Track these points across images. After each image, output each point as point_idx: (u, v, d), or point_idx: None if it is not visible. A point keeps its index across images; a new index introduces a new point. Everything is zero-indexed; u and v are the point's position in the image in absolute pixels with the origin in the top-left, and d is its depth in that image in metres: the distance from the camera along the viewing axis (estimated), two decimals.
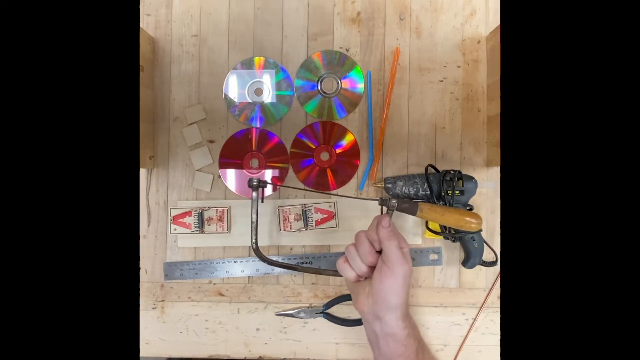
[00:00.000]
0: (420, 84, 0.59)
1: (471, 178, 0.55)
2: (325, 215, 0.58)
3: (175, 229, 0.58)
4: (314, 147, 0.59)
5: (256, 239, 0.52)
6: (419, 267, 0.58)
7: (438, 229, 0.55)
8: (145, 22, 0.59)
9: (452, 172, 0.54)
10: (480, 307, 0.58)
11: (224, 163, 0.59)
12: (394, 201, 0.48)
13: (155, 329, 0.59)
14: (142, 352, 0.58)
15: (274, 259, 0.58)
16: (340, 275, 0.49)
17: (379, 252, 0.47)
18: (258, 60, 0.59)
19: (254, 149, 0.59)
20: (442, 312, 0.58)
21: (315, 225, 0.58)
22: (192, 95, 0.59)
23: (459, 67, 0.59)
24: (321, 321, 0.58)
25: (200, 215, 0.58)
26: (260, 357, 0.59)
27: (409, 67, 0.59)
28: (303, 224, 0.57)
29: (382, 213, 0.49)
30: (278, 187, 0.58)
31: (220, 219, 0.58)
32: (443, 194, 0.53)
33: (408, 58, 0.59)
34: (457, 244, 0.57)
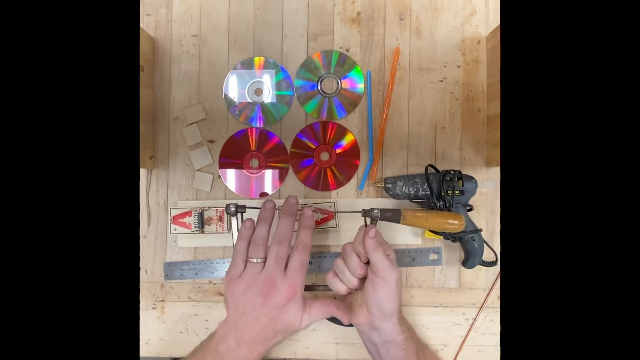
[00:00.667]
0: (420, 84, 0.59)
1: (471, 178, 0.54)
2: (325, 215, 0.58)
3: (175, 229, 0.58)
4: (314, 147, 0.59)
5: None
6: (419, 267, 0.58)
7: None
8: (145, 22, 0.59)
9: (452, 172, 0.54)
10: (480, 307, 0.58)
11: (224, 163, 0.59)
12: (376, 211, 0.47)
13: (155, 329, 0.59)
14: (142, 352, 0.58)
15: None
16: (331, 290, 0.49)
17: (367, 263, 0.47)
18: (258, 60, 0.59)
19: (254, 149, 0.59)
20: (442, 312, 0.58)
21: (316, 225, 0.58)
22: (192, 95, 0.59)
23: (459, 67, 0.59)
24: (321, 321, 0.58)
25: (200, 215, 0.58)
26: None
27: (409, 67, 0.59)
28: None
29: (365, 224, 0.48)
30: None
31: (220, 219, 0.58)
32: (443, 194, 0.53)
33: (408, 58, 0.59)
34: (457, 244, 0.57)
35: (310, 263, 0.58)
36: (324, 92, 0.59)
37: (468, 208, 0.55)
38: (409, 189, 0.54)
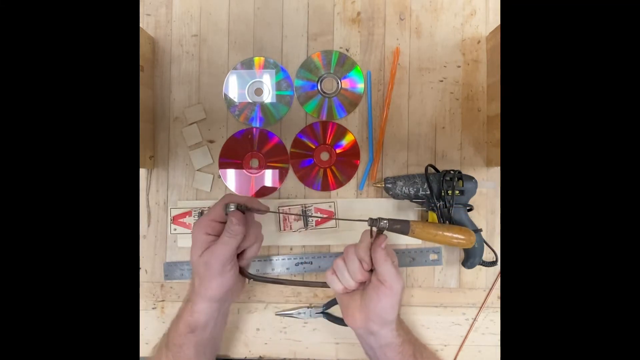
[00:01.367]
0: (420, 84, 0.59)
1: (471, 178, 0.54)
2: (325, 215, 0.58)
3: (175, 229, 0.58)
4: (314, 147, 0.59)
5: None
6: (419, 267, 0.58)
7: None
8: (145, 22, 0.59)
9: (452, 172, 0.54)
10: (480, 307, 0.58)
11: (224, 163, 0.59)
12: (384, 222, 0.45)
13: (155, 329, 0.59)
14: (142, 352, 0.58)
15: (274, 259, 0.58)
16: (328, 287, 0.49)
17: (370, 270, 0.47)
18: (258, 60, 0.59)
19: (254, 149, 0.59)
20: (442, 312, 0.58)
21: (315, 225, 0.58)
22: (192, 95, 0.59)
23: (459, 67, 0.59)
24: (321, 321, 0.58)
25: (200, 215, 0.58)
26: (260, 357, 0.59)
27: (409, 67, 0.59)
28: (303, 224, 0.57)
29: (371, 233, 0.47)
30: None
31: None
32: (443, 194, 0.53)
33: (408, 58, 0.59)
34: None
35: (310, 263, 0.58)
36: (324, 92, 0.59)
37: (468, 208, 0.55)
38: (409, 189, 0.54)
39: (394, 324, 0.46)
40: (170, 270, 0.59)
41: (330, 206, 0.58)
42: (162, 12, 0.60)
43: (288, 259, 0.58)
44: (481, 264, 0.56)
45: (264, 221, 0.58)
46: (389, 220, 0.45)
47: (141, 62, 0.54)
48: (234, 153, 0.59)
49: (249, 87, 0.59)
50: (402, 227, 0.46)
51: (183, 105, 0.59)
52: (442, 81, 0.59)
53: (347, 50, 0.59)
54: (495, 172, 0.58)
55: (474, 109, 0.58)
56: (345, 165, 0.58)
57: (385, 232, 0.46)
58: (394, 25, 0.59)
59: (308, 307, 0.58)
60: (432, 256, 0.58)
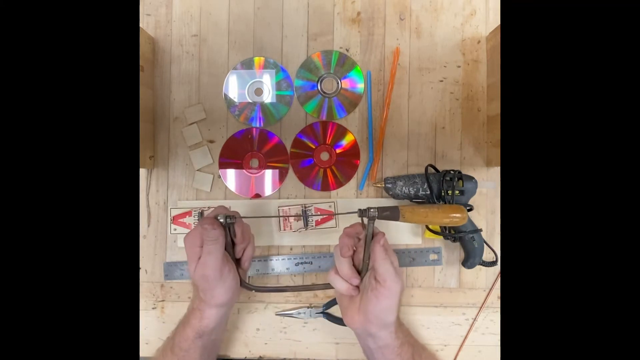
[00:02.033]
0: (420, 84, 0.59)
1: (471, 178, 0.55)
2: (325, 215, 0.58)
3: (175, 229, 0.58)
4: (314, 147, 0.59)
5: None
6: (419, 267, 0.58)
7: (438, 229, 0.55)
8: (145, 22, 0.59)
9: (452, 172, 0.54)
10: (480, 307, 0.58)
11: (224, 163, 0.59)
12: (372, 210, 0.45)
13: (155, 329, 0.59)
14: (142, 352, 0.58)
15: (274, 259, 0.58)
16: (332, 287, 0.49)
17: (363, 271, 0.47)
18: (258, 60, 0.59)
19: (254, 149, 0.59)
20: (442, 312, 0.58)
21: (315, 225, 0.58)
22: (192, 95, 0.59)
23: (459, 67, 0.59)
24: (321, 321, 0.58)
25: (200, 215, 0.58)
26: (260, 357, 0.59)
27: (409, 67, 0.59)
28: (303, 224, 0.57)
29: (362, 224, 0.46)
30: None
31: None
32: (443, 194, 0.53)
33: (408, 58, 0.59)
34: (457, 244, 0.57)
35: (310, 263, 0.58)
36: (324, 92, 0.59)
37: (468, 208, 0.55)
38: (409, 189, 0.54)
39: (393, 326, 0.46)
40: (170, 270, 0.59)
41: (330, 206, 0.58)
42: (162, 12, 0.60)
43: (288, 259, 0.58)
44: (481, 264, 0.56)
45: (264, 221, 0.58)
46: (377, 208, 0.45)
47: (141, 62, 0.54)
48: (234, 153, 0.59)
49: (249, 87, 0.59)
50: (391, 213, 0.46)
51: (183, 105, 0.59)
52: (442, 81, 0.59)
53: (347, 50, 0.59)
54: (495, 172, 0.58)
55: (474, 109, 0.58)
56: (345, 165, 0.58)
57: (377, 221, 0.46)
58: (394, 25, 0.59)
59: (308, 307, 0.58)
60: (432, 256, 0.58)
